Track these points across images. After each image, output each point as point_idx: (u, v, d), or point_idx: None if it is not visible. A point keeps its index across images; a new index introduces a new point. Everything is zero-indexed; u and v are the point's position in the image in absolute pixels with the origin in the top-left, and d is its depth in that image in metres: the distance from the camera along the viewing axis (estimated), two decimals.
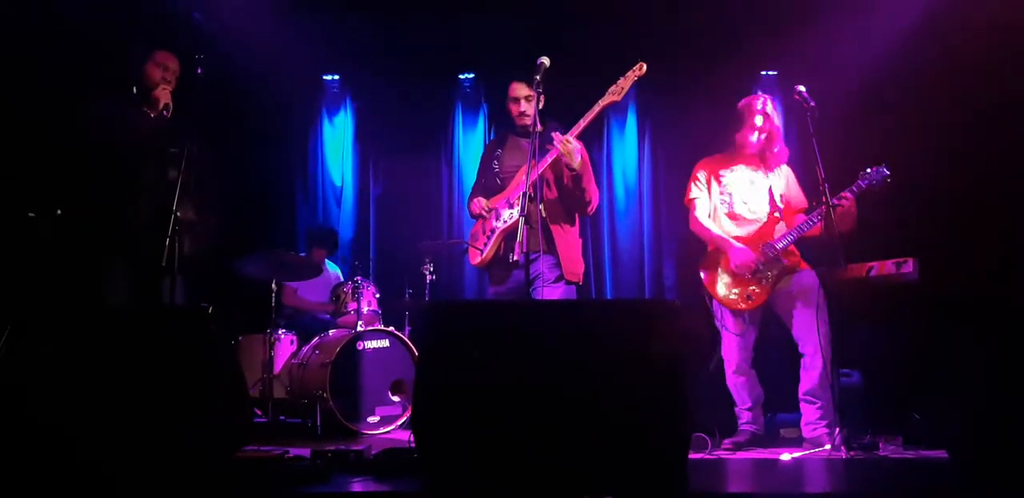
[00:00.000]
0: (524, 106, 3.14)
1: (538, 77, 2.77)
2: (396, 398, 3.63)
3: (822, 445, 2.80)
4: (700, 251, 3.20)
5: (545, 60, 2.76)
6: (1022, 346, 2.09)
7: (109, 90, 3.02)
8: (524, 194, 2.68)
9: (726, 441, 2.93)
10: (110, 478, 1.92)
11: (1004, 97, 3.72)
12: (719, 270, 3.09)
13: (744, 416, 3.05)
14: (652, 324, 1.97)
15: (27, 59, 3.65)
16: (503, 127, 3.48)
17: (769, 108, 3.07)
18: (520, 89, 3.13)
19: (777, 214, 3.09)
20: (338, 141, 5.09)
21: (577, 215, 3.21)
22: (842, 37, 4.04)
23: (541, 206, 2.88)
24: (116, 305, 2.82)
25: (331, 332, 3.82)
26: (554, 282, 3.06)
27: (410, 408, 3.52)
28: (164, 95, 2.89)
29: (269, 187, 4.92)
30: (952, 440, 2.30)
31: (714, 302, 3.08)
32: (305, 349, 3.78)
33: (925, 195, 3.76)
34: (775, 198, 3.11)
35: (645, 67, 2.89)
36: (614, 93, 2.92)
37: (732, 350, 3.05)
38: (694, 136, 3.98)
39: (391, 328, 3.74)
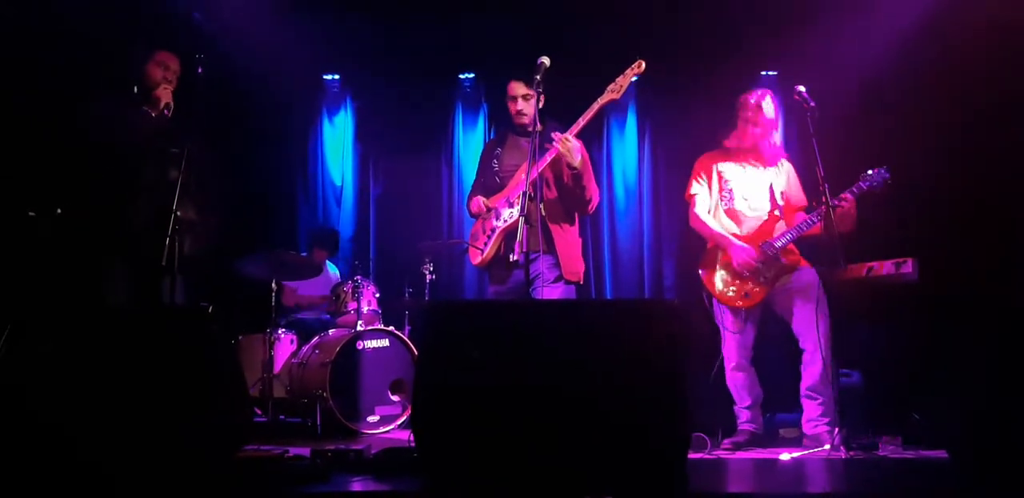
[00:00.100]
0: (521, 105, 3.14)
1: (538, 77, 2.77)
2: (396, 398, 3.63)
3: (822, 442, 2.80)
4: (700, 250, 3.20)
5: (545, 60, 2.76)
6: (1022, 346, 2.09)
7: (110, 90, 3.02)
8: (524, 193, 2.68)
9: (726, 441, 2.94)
10: (110, 478, 1.92)
11: (1004, 97, 3.72)
12: (717, 267, 3.09)
13: (743, 415, 3.05)
14: (652, 324, 1.97)
15: (27, 59, 3.65)
16: (503, 126, 3.48)
17: (765, 103, 3.05)
18: (518, 88, 3.13)
19: (777, 212, 3.09)
20: (338, 141, 5.10)
21: (577, 215, 3.21)
22: (842, 37, 4.03)
23: (541, 205, 2.88)
24: (116, 305, 2.82)
25: (331, 332, 3.82)
26: (554, 282, 3.06)
27: (410, 408, 3.52)
28: (165, 94, 2.89)
29: (269, 187, 4.92)
30: (952, 440, 2.30)
31: (712, 300, 3.09)
32: (305, 349, 3.78)
33: (925, 195, 3.76)
34: (775, 195, 3.11)
35: (644, 65, 2.89)
36: (613, 91, 2.92)
37: (731, 348, 3.05)
38: (694, 136, 3.98)
39: (391, 328, 3.74)
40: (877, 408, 3.05)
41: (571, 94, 3.09)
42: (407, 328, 4.05)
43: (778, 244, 3.00)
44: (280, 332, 4.00)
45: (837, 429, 2.75)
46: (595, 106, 2.93)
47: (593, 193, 3.12)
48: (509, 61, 3.57)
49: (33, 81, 3.63)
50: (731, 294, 3.04)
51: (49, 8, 3.72)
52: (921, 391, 2.93)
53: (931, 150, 3.84)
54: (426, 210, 4.94)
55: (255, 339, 3.94)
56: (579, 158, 2.97)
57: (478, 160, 3.44)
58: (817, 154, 2.86)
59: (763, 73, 4.59)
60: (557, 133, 2.95)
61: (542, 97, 3.07)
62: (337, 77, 5.00)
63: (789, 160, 3.21)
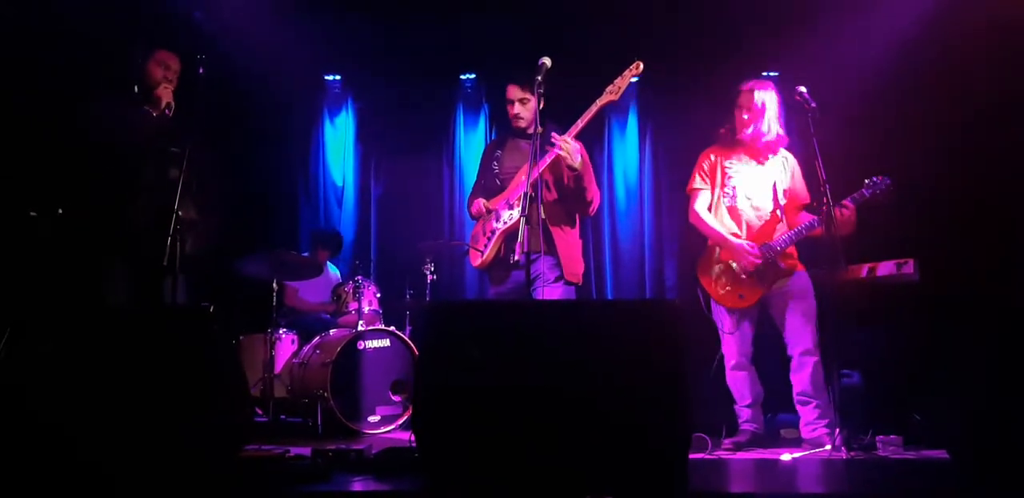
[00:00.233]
0: (518, 108, 3.14)
1: (539, 77, 2.77)
2: (396, 398, 3.63)
3: (822, 445, 2.80)
4: (701, 250, 3.20)
5: (547, 60, 2.76)
6: (1022, 346, 2.09)
7: (110, 90, 3.01)
8: (525, 194, 2.68)
9: (726, 441, 2.93)
10: (110, 478, 1.92)
11: (1004, 97, 3.72)
12: (714, 267, 3.09)
13: (743, 414, 3.05)
14: (652, 324, 1.97)
15: (27, 59, 3.65)
16: (504, 128, 3.49)
17: (759, 91, 3.04)
18: (514, 91, 3.14)
19: (779, 212, 3.07)
20: (339, 141, 5.10)
21: (578, 216, 3.21)
22: (842, 37, 4.04)
23: (541, 207, 2.88)
24: (116, 305, 2.82)
25: (332, 332, 3.82)
26: (554, 282, 3.06)
27: (410, 408, 3.53)
28: (166, 94, 2.89)
29: (270, 187, 4.93)
30: (952, 440, 2.31)
31: (709, 299, 3.09)
32: (306, 349, 3.78)
33: (925, 195, 3.75)
34: (778, 194, 3.09)
35: (642, 66, 2.89)
36: (611, 93, 2.92)
37: (730, 347, 3.06)
38: (695, 136, 3.97)
39: (392, 328, 3.74)
40: (878, 408, 3.05)
41: (571, 95, 3.09)
42: (408, 328, 4.05)
43: (778, 248, 2.99)
44: (281, 332, 4.00)
45: (838, 429, 2.75)
46: (593, 108, 2.93)
47: (594, 194, 3.12)
48: (510, 62, 3.58)
49: (33, 81, 3.63)
50: (726, 294, 3.04)
51: (49, 8, 3.72)
52: (921, 391, 2.93)
53: (931, 150, 3.84)
54: (427, 210, 4.94)
55: (256, 339, 3.94)
56: (579, 159, 2.97)
57: (479, 162, 3.45)
58: (818, 154, 2.86)
59: (764, 73, 4.59)
60: (556, 135, 2.95)
61: (542, 98, 3.07)
62: (338, 77, 5.01)
63: (797, 154, 3.19)
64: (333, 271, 4.73)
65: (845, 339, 2.90)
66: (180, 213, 2.62)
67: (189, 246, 2.75)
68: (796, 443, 2.98)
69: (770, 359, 3.15)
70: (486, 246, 3.16)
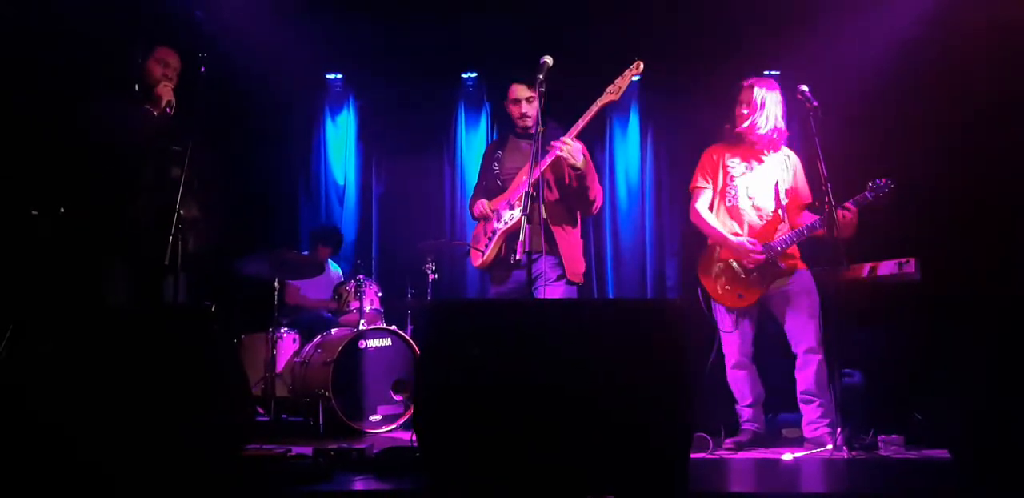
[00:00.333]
0: (525, 107, 3.15)
1: (541, 76, 2.77)
2: (398, 397, 3.63)
3: (824, 445, 2.80)
4: (702, 249, 3.20)
5: (548, 59, 2.76)
6: (1022, 346, 2.09)
7: (111, 89, 3.01)
8: (526, 193, 2.68)
9: (728, 441, 2.93)
10: (110, 478, 1.92)
11: (1004, 97, 3.72)
12: (714, 266, 3.09)
13: (745, 414, 3.05)
14: (654, 324, 1.97)
15: (27, 59, 3.65)
16: (505, 128, 3.49)
17: (759, 87, 3.04)
18: (521, 90, 3.14)
19: (780, 212, 3.08)
20: (341, 140, 5.10)
21: (579, 216, 3.21)
22: (842, 37, 4.04)
23: (542, 207, 2.88)
24: (116, 305, 2.82)
25: (333, 331, 3.82)
26: (555, 281, 3.07)
27: (412, 407, 3.53)
28: (166, 92, 2.88)
29: (271, 186, 4.93)
30: (952, 440, 2.31)
31: (709, 298, 3.09)
32: (307, 348, 3.78)
33: (925, 195, 3.76)
34: (780, 194, 3.09)
35: (642, 65, 2.89)
36: (612, 93, 2.92)
37: (731, 346, 3.06)
38: (696, 136, 3.98)
39: (393, 327, 3.74)
40: (879, 408, 3.05)
41: (571, 94, 3.09)
42: (409, 327, 4.05)
43: (779, 248, 2.99)
44: (282, 331, 4.00)
45: (839, 429, 2.75)
46: (594, 108, 2.94)
47: (597, 193, 3.13)
48: (511, 61, 3.58)
49: (33, 81, 3.63)
50: (726, 294, 3.04)
51: (49, 8, 3.72)
52: (922, 391, 2.93)
53: (931, 150, 3.84)
54: (428, 209, 4.95)
55: (257, 338, 3.94)
56: (581, 158, 2.98)
57: (480, 162, 3.45)
58: (819, 154, 2.86)
59: (765, 73, 4.59)
60: (558, 137, 2.96)
61: (544, 97, 3.07)
62: (340, 76, 5.01)
63: (798, 153, 3.19)
64: (335, 269, 4.73)
65: (846, 339, 2.90)
66: (182, 212, 2.61)
67: (192, 244, 2.75)
68: (797, 443, 2.98)
69: (771, 359, 3.15)
70: (487, 246, 3.16)
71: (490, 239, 3.16)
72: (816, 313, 2.94)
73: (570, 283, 3.08)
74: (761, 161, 3.12)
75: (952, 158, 3.84)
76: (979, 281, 3.56)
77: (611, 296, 4.76)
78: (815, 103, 2.92)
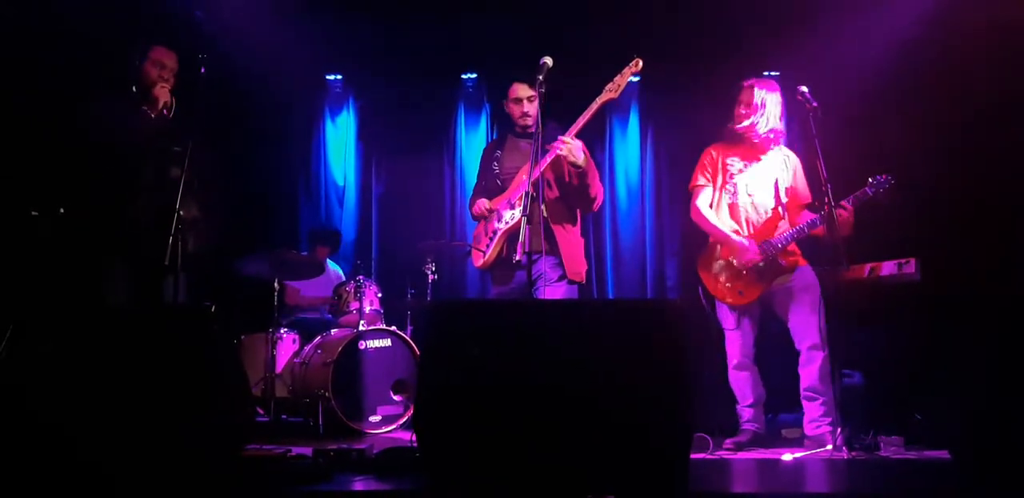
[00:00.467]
0: (527, 106, 3.15)
1: (541, 77, 2.77)
2: (398, 397, 3.63)
3: (825, 443, 2.80)
4: (702, 248, 3.20)
5: (548, 60, 2.76)
6: (1022, 346, 2.09)
7: (109, 90, 3.01)
8: (526, 193, 2.68)
9: (728, 441, 2.93)
10: (110, 478, 1.92)
11: (1004, 97, 3.72)
12: (715, 263, 3.09)
13: (745, 414, 3.05)
14: (654, 324, 1.97)
15: (27, 59, 3.65)
16: (505, 128, 3.49)
17: (759, 88, 3.04)
18: (522, 90, 3.14)
19: (780, 209, 3.08)
20: (341, 140, 5.10)
21: (579, 215, 3.21)
22: (842, 37, 4.04)
23: (543, 206, 2.88)
24: (116, 305, 2.82)
25: (333, 331, 3.82)
26: (556, 281, 3.07)
27: (412, 407, 3.53)
28: (163, 94, 2.87)
29: (271, 186, 4.93)
30: (953, 440, 2.31)
31: (711, 296, 3.09)
32: (307, 348, 3.78)
33: (925, 195, 3.76)
34: (780, 192, 3.10)
35: (641, 63, 2.89)
36: (611, 90, 2.93)
37: (732, 346, 3.06)
38: (696, 136, 3.98)
39: (393, 327, 3.74)
40: (879, 408, 3.04)
41: (571, 94, 3.09)
42: (409, 328, 4.05)
43: (779, 244, 3.00)
44: (282, 332, 4.00)
45: (839, 429, 2.75)
46: (594, 106, 2.94)
47: (598, 191, 3.13)
48: (511, 61, 3.58)
49: (33, 81, 3.63)
50: (726, 291, 3.04)
51: (49, 8, 3.72)
52: (922, 391, 2.93)
53: (931, 150, 3.84)
54: (428, 210, 4.95)
55: (257, 339, 3.94)
56: (582, 156, 2.98)
57: (479, 162, 3.45)
58: (819, 154, 2.86)
59: (765, 73, 4.59)
60: (560, 136, 2.96)
61: (544, 97, 3.07)
62: (339, 77, 5.01)
63: (798, 153, 3.19)
64: (334, 268, 4.73)
65: (846, 339, 2.90)
66: (182, 212, 2.61)
67: (192, 244, 2.75)
68: (797, 443, 2.98)
69: (772, 359, 3.15)
70: (488, 246, 3.16)
71: (491, 239, 3.16)
72: (818, 309, 2.93)
73: (571, 283, 3.09)
74: (760, 159, 3.12)
75: (952, 158, 3.84)
76: (979, 281, 3.56)
77: (611, 296, 4.76)
78: (815, 104, 2.92)
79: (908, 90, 4.03)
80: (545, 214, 2.87)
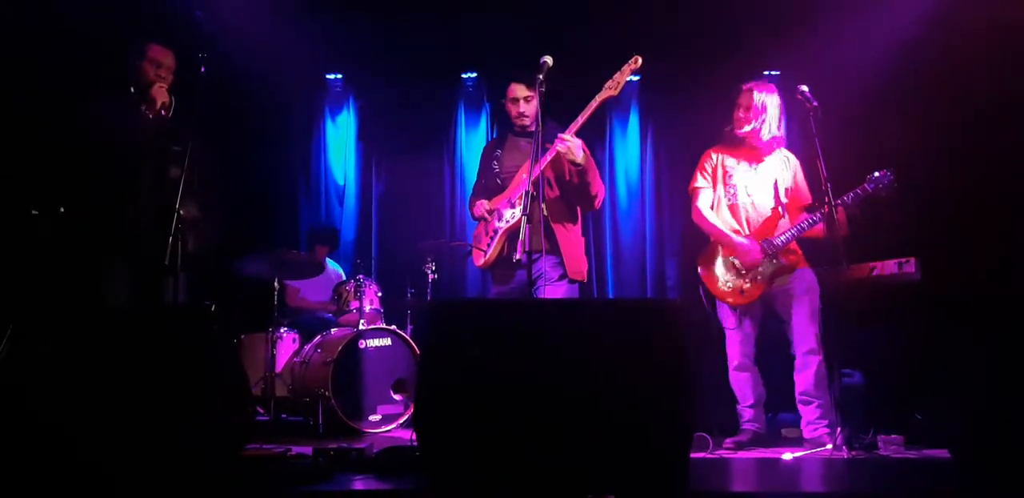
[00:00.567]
0: (523, 107, 3.16)
1: (541, 76, 2.77)
2: (398, 397, 3.63)
3: (823, 445, 2.80)
4: (703, 248, 3.20)
5: (548, 59, 2.77)
6: (1022, 346, 2.09)
7: (107, 91, 3.00)
8: (526, 193, 2.68)
9: (728, 440, 2.93)
10: (110, 478, 1.92)
11: (1004, 97, 3.72)
12: (716, 263, 3.10)
13: (746, 414, 3.05)
14: (654, 323, 1.97)
15: (27, 59, 3.65)
16: (505, 127, 3.49)
17: (758, 91, 3.04)
18: (519, 90, 3.15)
19: (780, 209, 3.09)
20: (341, 140, 5.10)
21: (580, 214, 3.21)
22: (842, 37, 4.04)
23: (543, 205, 2.88)
24: (116, 305, 2.82)
25: (333, 331, 3.82)
26: (557, 280, 3.07)
27: (412, 407, 3.53)
28: (161, 94, 2.87)
29: (271, 186, 4.93)
30: (953, 440, 2.31)
31: (711, 296, 3.09)
32: (307, 347, 3.78)
33: (925, 195, 3.76)
34: (779, 192, 3.10)
35: (640, 60, 2.89)
36: (611, 88, 2.93)
37: (733, 346, 3.06)
38: (696, 136, 3.98)
39: (393, 327, 3.74)
40: (878, 408, 3.05)
41: (571, 93, 3.10)
42: (409, 327, 4.05)
43: (778, 242, 3.00)
44: (282, 331, 4.00)
45: (839, 429, 2.75)
46: (593, 103, 2.94)
47: (599, 188, 3.13)
48: (511, 61, 3.57)
49: (33, 81, 3.63)
50: (727, 290, 3.04)
51: (49, 8, 3.72)
52: (922, 391, 2.93)
53: (931, 150, 3.84)
54: (428, 209, 4.95)
55: (257, 338, 3.94)
56: (581, 154, 2.98)
57: (479, 162, 3.45)
58: (819, 154, 2.86)
59: (765, 73, 4.60)
60: (560, 134, 2.96)
61: (544, 96, 3.07)
62: (340, 76, 5.01)
63: (798, 153, 3.19)
64: (334, 267, 4.73)
65: (846, 339, 2.90)
66: (182, 212, 2.61)
67: (192, 244, 2.75)
68: (797, 442, 2.98)
69: (772, 359, 3.15)
70: (488, 245, 3.16)
71: (492, 238, 3.16)
72: (816, 314, 2.95)
73: (572, 282, 3.09)
74: (760, 160, 3.13)
75: (952, 158, 3.84)
76: (979, 281, 3.56)
77: (611, 296, 4.76)
78: (815, 103, 2.92)
79: (908, 90, 4.03)
80: (545, 213, 2.87)
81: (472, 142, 5.00)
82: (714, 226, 3.09)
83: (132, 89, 2.95)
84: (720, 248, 3.11)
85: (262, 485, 2.19)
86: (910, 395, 3.02)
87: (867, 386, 3.21)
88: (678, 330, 1.96)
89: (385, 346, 3.66)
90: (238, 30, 4.00)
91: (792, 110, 3.20)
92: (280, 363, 3.87)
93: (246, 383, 2.37)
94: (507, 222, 3.10)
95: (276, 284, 3.72)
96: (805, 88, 2.94)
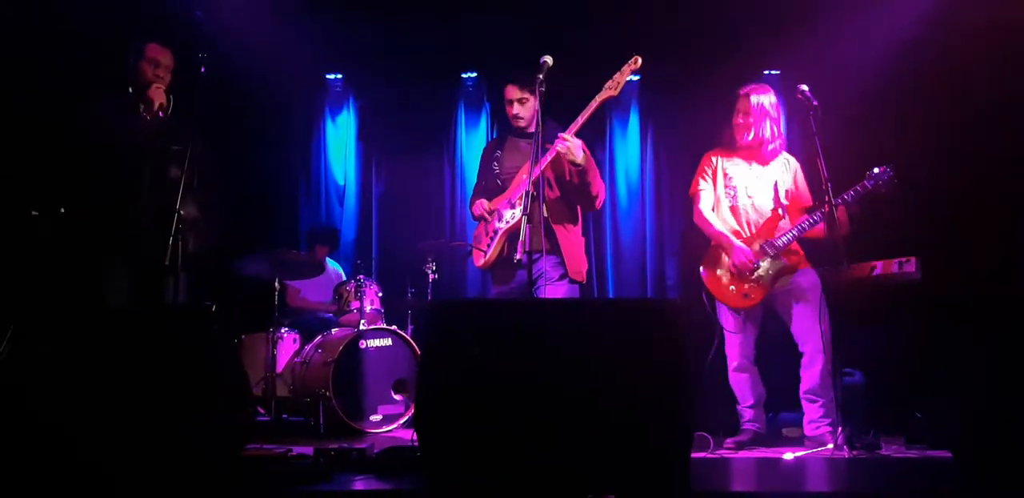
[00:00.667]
0: (517, 108, 3.16)
1: (541, 76, 2.77)
2: (398, 397, 3.63)
3: (825, 443, 2.80)
4: (703, 250, 3.21)
5: (548, 59, 2.76)
6: (1022, 346, 2.09)
7: (105, 92, 3.00)
8: (527, 193, 2.68)
9: (728, 440, 2.93)
10: (110, 478, 1.92)
11: (1004, 97, 3.72)
12: (719, 267, 3.09)
13: (746, 414, 3.05)
14: (654, 323, 1.97)
15: (27, 59, 3.65)
16: (504, 127, 3.49)
17: (756, 94, 3.05)
18: (512, 91, 3.16)
19: (780, 210, 3.09)
20: (341, 140, 5.10)
21: (580, 214, 3.21)
22: (842, 37, 4.04)
23: (544, 206, 2.88)
24: (116, 305, 2.82)
25: (333, 331, 3.83)
26: (557, 280, 3.07)
27: (412, 407, 3.53)
28: (158, 95, 2.87)
29: (271, 186, 4.93)
30: (953, 440, 2.31)
31: (713, 299, 3.09)
32: (308, 348, 3.78)
33: (925, 195, 3.76)
34: (780, 194, 3.11)
35: (640, 61, 2.89)
36: (610, 88, 2.93)
37: (733, 347, 3.06)
38: (696, 136, 3.99)
39: (393, 327, 3.74)
40: (879, 407, 3.05)
41: (571, 94, 3.10)
42: (410, 327, 4.06)
43: (778, 243, 3.00)
44: (283, 331, 4.00)
45: (840, 428, 2.75)
46: (593, 103, 2.94)
47: (599, 188, 3.13)
48: (511, 61, 3.58)
49: (33, 81, 3.63)
50: (731, 294, 3.04)
51: (49, 8, 3.72)
52: (922, 391, 2.93)
53: (931, 150, 3.84)
54: (429, 209, 4.95)
55: (258, 338, 3.94)
56: (581, 155, 2.98)
57: (479, 163, 3.45)
58: (819, 153, 2.86)
59: (765, 73, 4.60)
60: (560, 134, 2.96)
61: (544, 96, 3.07)
62: (340, 76, 5.01)
63: (799, 153, 3.20)
64: (334, 267, 4.73)
65: (846, 339, 2.90)
66: (182, 212, 2.61)
67: (192, 244, 2.75)
68: (798, 442, 2.98)
69: (772, 359, 3.15)
70: (489, 246, 3.16)
71: (492, 239, 3.16)
72: (821, 312, 2.93)
73: (572, 282, 3.09)
74: (761, 162, 3.13)
75: (952, 158, 3.84)
76: (979, 281, 3.56)
77: (611, 295, 4.76)
78: (815, 103, 2.92)
79: (908, 90, 4.03)
80: (546, 213, 2.87)
81: (472, 142, 5.00)
82: (715, 230, 3.09)
83: (130, 89, 2.94)
84: (721, 253, 3.11)
85: (262, 485, 2.19)
86: (910, 395, 3.02)
87: (867, 386, 3.21)
88: (678, 330, 1.96)
89: (386, 346, 3.66)
90: (238, 30, 4.00)
91: (792, 110, 3.21)
92: (281, 363, 3.87)
93: (246, 383, 2.37)
94: (507, 222, 3.10)
95: (276, 284, 3.72)
96: (805, 88, 2.94)
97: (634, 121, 4.97)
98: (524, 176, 3.02)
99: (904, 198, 3.00)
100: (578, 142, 2.98)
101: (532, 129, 3.08)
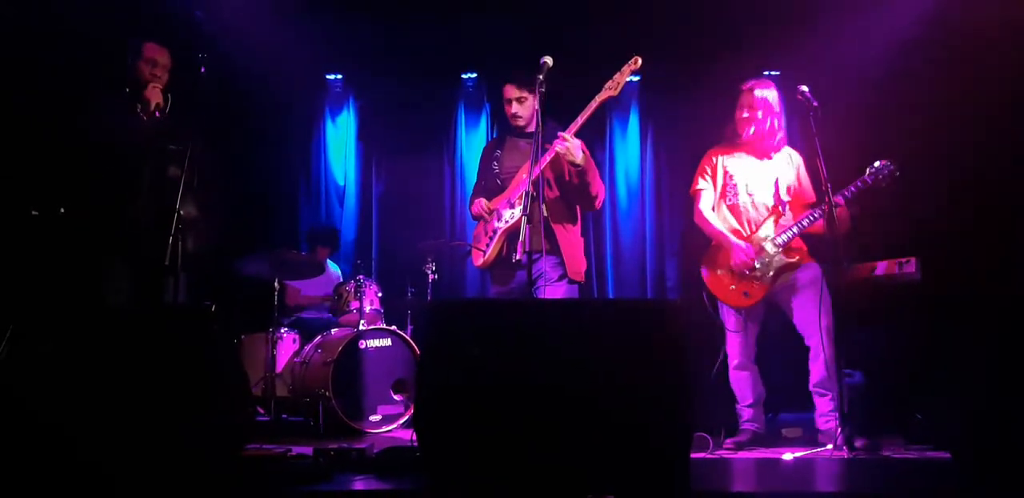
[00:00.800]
0: (516, 107, 3.16)
1: (540, 76, 2.78)
2: (398, 397, 3.63)
3: (835, 438, 2.79)
4: (703, 250, 3.21)
5: (548, 59, 2.77)
6: (1022, 346, 2.09)
7: (105, 91, 3.00)
8: (526, 193, 2.69)
9: (728, 440, 2.93)
10: (110, 478, 1.92)
11: (1006, 97, 3.72)
12: (719, 266, 3.09)
13: (745, 414, 3.05)
14: (654, 323, 1.97)
15: (27, 59, 3.65)
16: (504, 128, 3.50)
17: (759, 89, 3.04)
18: (511, 91, 3.16)
19: (781, 207, 3.08)
20: (341, 140, 5.10)
21: (580, 214, 3.21)
22: (842, 37, 4.04)
23: (543, 206, 2.88)
24: (116, 305, 2.82)
25: (333, 331, 3.83)
26: (557, 280, 3.07)
27: (412, 407, 3.53)
28: (155, 95, 2.87)
29: (271, 186, 4.93)
30: (953, 440, 2.31)
31: (714, 299, 3.09)
32: (307, 348, 3.79)
33: (925, 195, 3.76)
34: (780, 190, 3.10)
35: (640, 61, 2.89)
36: (610, 88, 2.93)
37: (733, 347, 3.06)
38: (696, 136, 3.98)
39: (393, 327, 3.75)
40: (879, 408, 3.05)
41: (571, 94, 3.10)
42: (409, 327, 4.06)
43: (779, 241, 3.00)
44: (283, 331, 4.00)
45: (840, 428, 2.75)
46: (593, 104, 2.94)
47: (599, 189, 3.13)
48: (511, 61, 3.58)
49: (33, 81, 3.63)
50: (732, 293, 3.04)
51: (49, 8, 3.72)
52: (922, 391, 2.93)
53: (931, 150, 3.84)
54: (428, 209, 4.96)
55: (258, 338, 3.94)
56: (580, 155, 2.98)
57: (478, 163, 3.45)
58: (819, 153, 2.86)
59: (765, 73, 4.60)
60: (560, 134, 2.96)
61: (544, 96, 3.07)
62: (340, 77, 5.02)
63: (800, 153, 3.19)
64: (334, 269, 4.73)
65: (846, 339, 2.90)
66: (182, 212, 2.61)
67: (192, 244, 2.75)
68: (798, 442, 2.98)
69: (773, 358, 3.15)
70: (488, 246, 3.16)
71: (491, 238, 3.16)
72: (824, 306, 2.91)
73: (572, 282, 3.09)
74: (762, 158, 3.13)
75: (952, 158, 3.84)
76: (979, 281, 3.56)
77: (611, 296, 4.77)
78: (815, 103, 2.92)
79: (908, 90, 4.03)
80: (545, 213, 2.87)
81: (472, 142, 5.00)
82: (715, 229, 3.09)
83: (128, 89, 2.94)
84: (722, 252, 3.10)
85: (262, 485, 2.19)
86: (910, 395, 3.02)
87: (867, 386, 3.21)
88: (678, 330, 1.96)
89: (385, 346, 3.66)
90: (238, 30, 4.00)
91: (792, 110, 3.20)
92: (280, 363, 3.87)
93: (246, 383, 2.38)
94: (506, 222, 3.10)
95: (276, 284, 3.72)
96: (805, 88, 2.94)
97: (634, 121, 4.97)
98: (524, 176, 3.02)
99: (903, 198, 3.00)
100: (577, 142, 2.98)
101: (531, 129, 3.08)
